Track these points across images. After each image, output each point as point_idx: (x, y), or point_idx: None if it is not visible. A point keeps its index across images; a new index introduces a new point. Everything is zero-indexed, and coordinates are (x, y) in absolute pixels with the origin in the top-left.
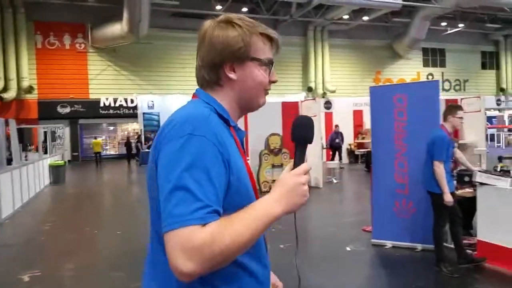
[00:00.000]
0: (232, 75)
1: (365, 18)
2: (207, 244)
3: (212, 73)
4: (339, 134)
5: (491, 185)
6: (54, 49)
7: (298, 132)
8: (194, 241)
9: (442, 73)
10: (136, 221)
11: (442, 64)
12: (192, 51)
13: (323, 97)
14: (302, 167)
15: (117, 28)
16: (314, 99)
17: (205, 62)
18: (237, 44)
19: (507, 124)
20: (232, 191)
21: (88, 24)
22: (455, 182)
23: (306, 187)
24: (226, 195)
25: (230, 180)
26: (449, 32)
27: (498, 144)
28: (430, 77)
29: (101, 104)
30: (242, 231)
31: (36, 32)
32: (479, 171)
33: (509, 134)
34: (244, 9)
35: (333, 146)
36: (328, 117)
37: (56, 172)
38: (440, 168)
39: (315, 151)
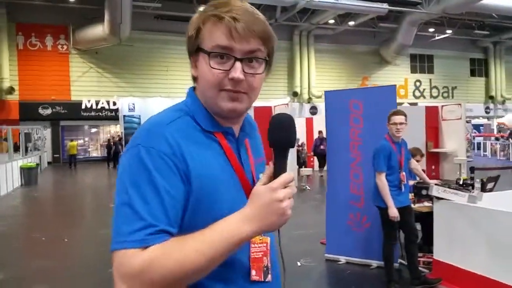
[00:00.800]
0: (193, 71)
1: (351, 23)
2: (145, 271)
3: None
4: (323, 140)
5: (447, 200)
6: (35, 50)
7: (277, 134)
8: (131, 267)
9: (430, 79)
10: (88, 229)
11: (430, 71)
12: (174, 53)
13: (309, 102)
14: (282, 178)
15: (99, 30)
16: (287, 104)
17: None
18: (190, 31)
19: (495, 132)
20: (195, 207)
21: (70, 25)
22: (412, 195)
23: (285, 204)
24: (188, 211)
25: (191, 194)
26: (437, 38)
27: (485, 153)
28: (418, 83)
29: (83, 106)
30: (193, 255)
31: (18, 33)
32: (436, 184)
33: (495, 143)
34: None
35: (317, 152)
36: (310, 123)
37: (27, 174)
38: (381, 180)
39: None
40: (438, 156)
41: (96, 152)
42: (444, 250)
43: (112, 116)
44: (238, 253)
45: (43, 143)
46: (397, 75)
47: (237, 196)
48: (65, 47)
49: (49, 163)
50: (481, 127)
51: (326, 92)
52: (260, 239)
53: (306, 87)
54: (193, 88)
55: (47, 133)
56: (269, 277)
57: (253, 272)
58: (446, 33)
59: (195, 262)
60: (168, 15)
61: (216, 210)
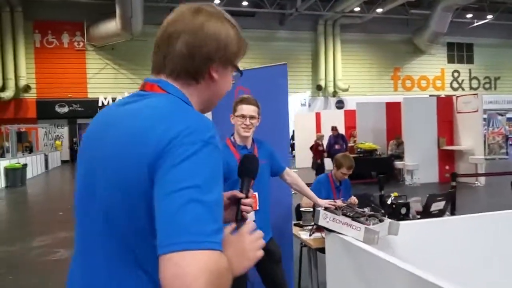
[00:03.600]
0: (215, 75)
1: (379, 10)
2: (224, 275)
3: (197, 66)
4: (339, 138)
5: (337, 233)
6: (52, 47)
7: (245, 167)
8: (220, 269)
9: (470, 70)
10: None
11: (470, 60)
12: None
13: (334, 96)
14: (247, 226)
15: (112, 25)
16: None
17: (195, 53)
18: (234, 46)
19: None
20: None
21: (85, 21)
22: None
23: (260, 253)
24: None
25: None
26: (476, 24)
27: None
28: (456, 74)
29: (99, 104)
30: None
31: (35, 31)
32: (325, 208)
33: None
34: (245, 3)
35: (332, 154)
36: (319, 118)
37: (12, 175)
38: None
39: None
40: (453, 154)
41: None
42: None
43: None
44: None
45: (51, 142)
46: (433, 65)
47: None
48: (81, 44)
49: (65, 161)
50: None
51: None
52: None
53: (331, 80)
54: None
55: (64, 131)
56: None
57: None
58: (487, 19)
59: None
60: None
61: None
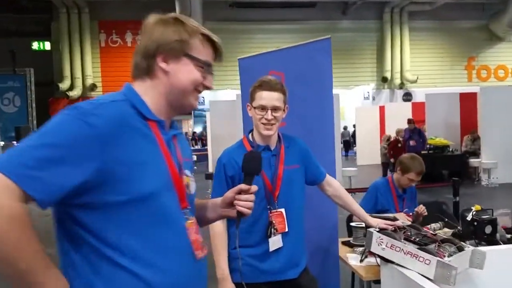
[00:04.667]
0: (163, 65)
1: None
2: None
3: (144, 61)
4: (415, 133)
5: (398, 265)
6: (116, 46)
7: (248, 165)
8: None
9: None
10: None
11: None
12: (249, 43)
13: (401, 88)
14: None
15: None
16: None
17: (140, 49)
18: (173, 36)
19: None
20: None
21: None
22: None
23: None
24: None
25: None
26: None
27: None
28: None
29: None
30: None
31: (100, 31)
32: (381, 230)
33: None
34: None
35: (406, 150)
36: (383, 112)
37: None
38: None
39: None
40: None
41: None
42: None
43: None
44: (183, 241)
45: None
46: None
47: (165, 182)
48: None
49: None
50: None
51: (239, 59)
52: (191, 222)
53: (398, 71)
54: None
55: None
56: (204, 250)
57: (197, 252)
58: None
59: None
60: (244, 3)
61: (137, 188)
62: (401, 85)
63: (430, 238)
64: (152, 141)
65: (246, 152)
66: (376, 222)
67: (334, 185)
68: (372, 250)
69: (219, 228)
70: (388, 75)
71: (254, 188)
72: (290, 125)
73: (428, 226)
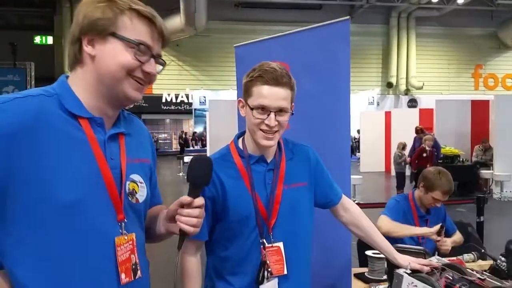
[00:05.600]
0: (88, 49)
1: (460, 1)
2: None
3: (72, 48)
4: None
5: None
6: None
7: (192, 173)
8: None
9: None
10: None
11: None
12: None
13: (406, 94)
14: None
15: (176, 21)
16: None
17: (70, 36)
18: (96, 14)
19: None
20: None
21: None
22: None
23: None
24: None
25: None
26: None
27: None
28: None
29: (163, 100)
30: None
31: None
32: (412, 271)
33: None
34: None
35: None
36: (389, 118)
37: None
38: None
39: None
40: None
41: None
42: None
43: (190, 110)
44: (102, 262)
45: None
46: None
47: (93, 190)
48: None
49: None
50: None
51: (236, 46)
52: (126, 238)
53: (403, 76)
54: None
55: None
56: (138, 273)
57: (123, 276)
58: None
59: None
60: (249, 2)
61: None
62: (407, 91)
63: (479, 285)
64: (79, 142)
65: (230, 165)
66: (407, 261)
67: (352, 209)
68: None
69: (190, 265)
70: (393, 80)
71: (198, 201)
72: (295, 129)
73: (460, 257)
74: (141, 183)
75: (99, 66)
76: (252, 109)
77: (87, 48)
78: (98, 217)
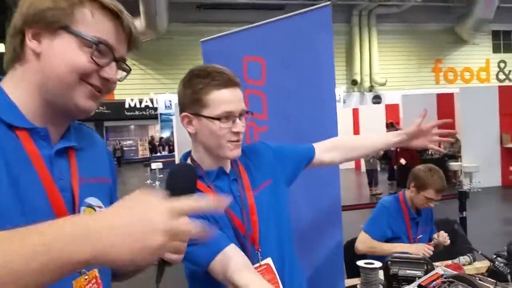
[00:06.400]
0: (32, 44)
1: None
2: None
3: (12, 42)
4: None
5: None
6: None
7: (173, 182)
8: None
9: None
10: None
11: None
12: None
13: (371, 90)
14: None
15: (136, 24)
16: None
17: (10, 28)
18: (45, 3)
19: None
20: None
21: None
22: None
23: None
24: None
25: None
26: None
27: None
28: (502, 64)
29: (126, 106)
30: None
31: None
32: (396, 257)
33: None
34: None
35: (389, 158)
36: (356, 115)
37: None
38: None
39: None
40: None
41: (146, 152)
42: None
43: (156, 115)
44: None
45: None
46: (477, 55)
47: (38, 220)
48: None
49: None
50: None
51: (202, 42)
52: (86, 279)
53: (367, 74)
54: None
55: None
56: None
57: None
58: None
59: None
60: (211, 4)
61: None
62: (371, 88)
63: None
64: (18, 159)
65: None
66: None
67: (334, 143)
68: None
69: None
70: (357, 78)
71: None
72: (275, 130)
73: (456, 261)
74: (99, 207)
75: (44, 66)
76: (214, 119)
77: (31, 43)
78: None
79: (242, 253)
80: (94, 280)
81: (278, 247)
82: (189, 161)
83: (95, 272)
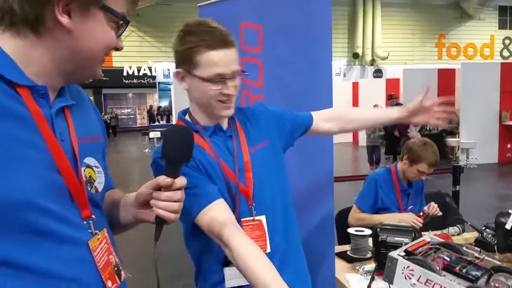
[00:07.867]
0: (64, 20)
1: None
2: None
3: (31, 9)
4: None
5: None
6: None
7: (170, 148)
8: None
9: None
10: None
11: None
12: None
13: (372, 64)
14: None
15: None
16: None
17: None
18: None
19: None
20: None
21: None
22: None
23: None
24: None
25: None
26: None
27: None
28: (507, 41)
29: (125, 73)
30: None
31: None
32: (407, 254)
33: None
34: None
35: (388, 131)
36: (356, 89)
37: None
38: None
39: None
40: None
41: (144, 121)
42: None
43: (154, 83)
44: (86, 275)
45: None
46: (481, 31)
47: (47, 175)
48: None
49: None
50: None
51: (199, 7)
52: (99, 238)
53: (369, 47)
54: None
55: None
56: (123, 274)
57: (109, 283)
58: None
59: None
60: None
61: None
62: (372, 62)
63: (477, 265)
64: (21, 119)
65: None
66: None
67: (329, 113)
68: (396, 285)
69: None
70: (359, 51)
71: (179, 182)
72: (271, 99)
73: (445, 231)
74: (97, 167)
75: (77, 44)
76: (204, 80)
77: (63, 19)
78: (60, 217)
79: (229, 209)
80: (105, 240)
81: (272, 207)
82: (187, 116)
83: (105, 232)
